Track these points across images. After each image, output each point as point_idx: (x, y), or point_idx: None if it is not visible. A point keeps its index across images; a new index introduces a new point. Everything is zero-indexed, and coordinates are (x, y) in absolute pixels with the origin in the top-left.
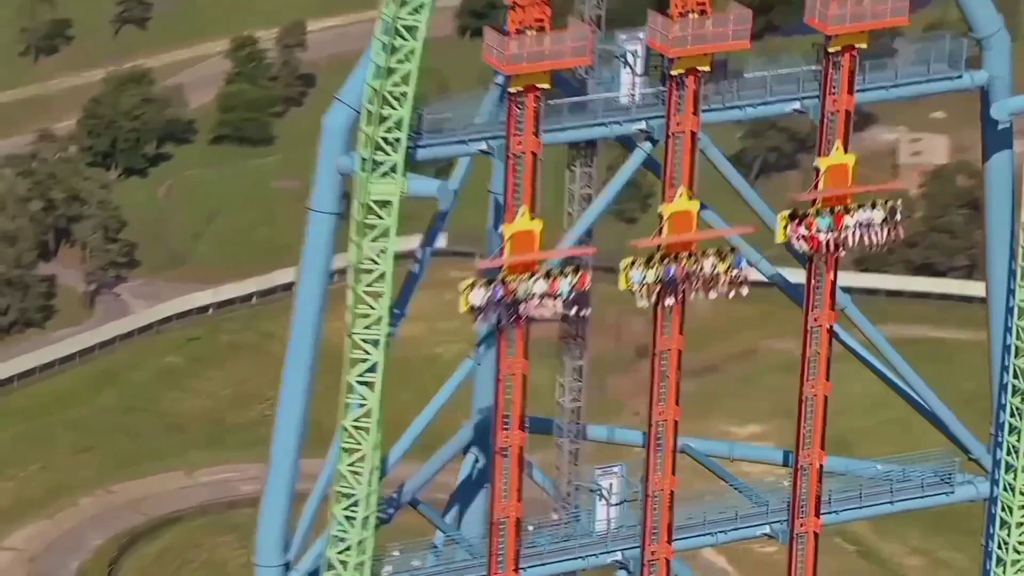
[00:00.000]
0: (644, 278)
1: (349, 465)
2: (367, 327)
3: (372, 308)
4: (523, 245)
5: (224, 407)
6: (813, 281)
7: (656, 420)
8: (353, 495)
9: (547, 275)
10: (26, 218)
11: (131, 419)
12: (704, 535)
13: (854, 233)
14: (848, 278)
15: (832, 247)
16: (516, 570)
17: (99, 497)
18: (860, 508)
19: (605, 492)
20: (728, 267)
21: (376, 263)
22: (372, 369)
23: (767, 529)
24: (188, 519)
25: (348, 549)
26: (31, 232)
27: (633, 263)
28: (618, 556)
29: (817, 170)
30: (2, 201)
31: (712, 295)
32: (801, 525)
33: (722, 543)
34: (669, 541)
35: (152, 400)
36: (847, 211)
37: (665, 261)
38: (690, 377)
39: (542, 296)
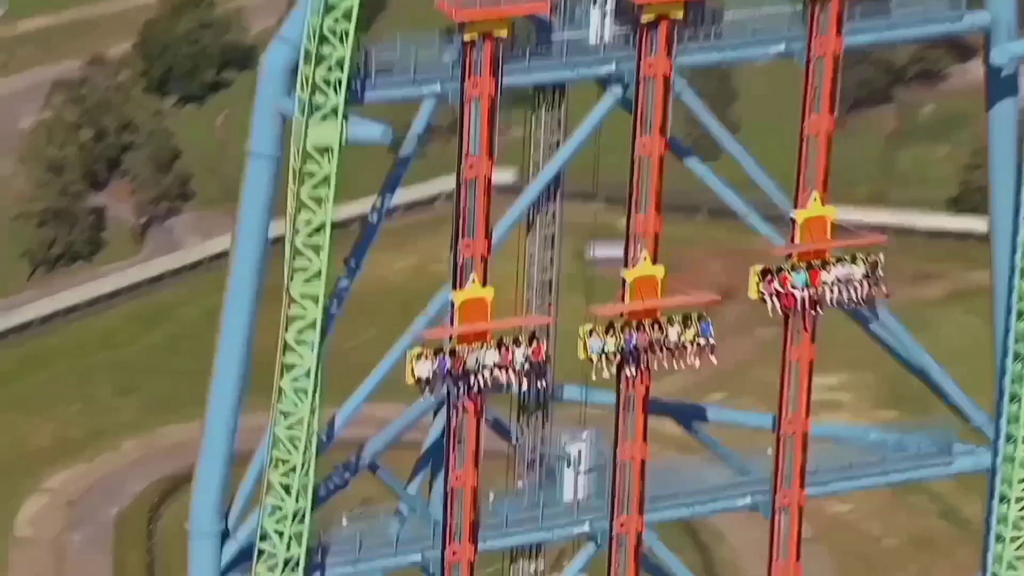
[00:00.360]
0: (604, 347)
1: (287, 429)
2: (306, 281)
3: (310, 261)
4: (474, 313)
5: (274, 349)
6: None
7: (625, 383)
8: (289, 461)
9: (499, 344)
10: (75, 147)
11: (178, 360)
12: (679, 506)
13: (832, 289)
14: (941, 220)
15: (809, 304)
16: (473, 542)
17: (142, 440)
18: (850, 479)
19: (573, 459)
20: (695, 335)
21: (314, 213)
22: (311, 326)
23: (748, 501)
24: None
25: (284, 518)
26: (80, 161)
27: (592, 331)
28: (586, 528)
29: (793, 222)
30: (50, 129)
31: (680, 365)
32: (784, 497)
33: (699, 515)
34: (640, 513)
35: (200, 340)
36: (824, 266)
37: (627, 329)
38: (768, 323)
39: (494, 367)
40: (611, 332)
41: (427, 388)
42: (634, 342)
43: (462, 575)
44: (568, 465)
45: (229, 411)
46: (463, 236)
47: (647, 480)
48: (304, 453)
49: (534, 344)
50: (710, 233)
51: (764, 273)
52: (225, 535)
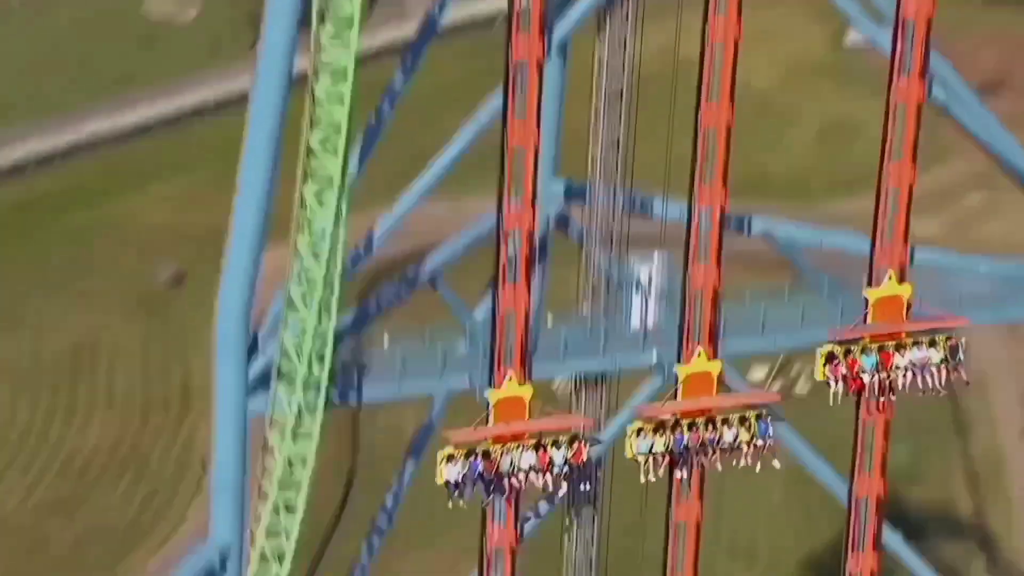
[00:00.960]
0: (652, 447)
1: (308, 239)
2: (333, 84)
3: (337, 55)
4: (510, 412)
5: None
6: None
7: (698, 203)
8: (310, 275)
9: (537, 445)
10: None
11: (403, 142)
12: (757, 338)
13: (905, 375)
14: None
15: (879, 390)
16: (523, 366)
17: (361, 219)
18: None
19: (643, 284)
20: (752, 436)
21: (344, 9)
22: (336, 131)
23: (836, 335)
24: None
25: (304, 337)
26: None
27: (640, 431)
28: (652, 358)
29: (865, 301)
30: None
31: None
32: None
33: (780, 349)
34: (712, 344)
35: (428, 122)
36: (899, 349)
37: (677, 428)
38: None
39: (530, 470)
40: (660, 431)
41: (456, 491)
42: (684, 442)
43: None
44: (636, 290)
45: (256, 213)
46: (516, 31)
47: (721, 309)
48: (327, 267)
49: (575, 446)
50: (987, 18)
51: (830, 357)
52: (254, 350)
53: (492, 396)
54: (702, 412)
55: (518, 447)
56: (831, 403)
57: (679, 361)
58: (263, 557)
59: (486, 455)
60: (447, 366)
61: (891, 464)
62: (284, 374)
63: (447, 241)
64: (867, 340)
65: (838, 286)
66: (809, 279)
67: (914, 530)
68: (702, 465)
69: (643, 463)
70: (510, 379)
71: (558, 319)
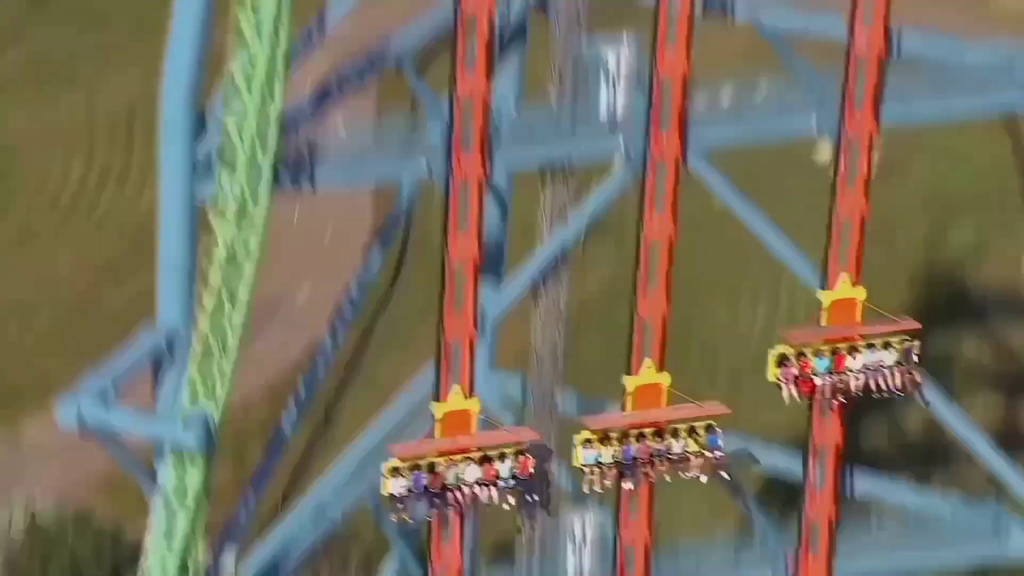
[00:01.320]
0: (599, 458)
1: (250, 21)
2: None
3: None
4: (456, 426)
5: None
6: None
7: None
8: (252, 56)
9: (482, 459)
10: None
11: None
12: (734, 125)
13: (858, 376)
14: None
15: (830, 393)
16: (482, 153)
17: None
18: (937, 105)
19: (611, 68)
20: (701, 448)
21: None
22: None
23: (813, 123)
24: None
25: (245, 117)
26: None
27: (587, 441)
28: (619, 145)
29: (820, 303)
30: None
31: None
32: (853, 125)
33: (759, 139)
34: (681, 134)
35: None
36: (852, 351)
37: (625, 439)
38: None
39: (475, 484)
40: (607, 441)
41: (401, 506)
42: (632, 453)
43: (471, 194)
44: (604, 75)
45: None
46: None
47: (689, 94)
48: (271, 46)
49: (520, 459)
50: None
51: (782, 359)
52: (202, 130)
53: (438, 410)
54: (651, 424)
55: (464, 460)
56: (786, 403)
57: (645, 153)
58: (206, 346)
59: (431, 469)
60: (409, 152)
61: (956, 240)
62: (226, 158)
63: (416, 20)
64: (820, 342)
65: (818, 76)
66: (791, 68)
67: (977, 309)
68: (648, 475)
69: (588, 474)
70: (456, 392)
71: (525, 106)
